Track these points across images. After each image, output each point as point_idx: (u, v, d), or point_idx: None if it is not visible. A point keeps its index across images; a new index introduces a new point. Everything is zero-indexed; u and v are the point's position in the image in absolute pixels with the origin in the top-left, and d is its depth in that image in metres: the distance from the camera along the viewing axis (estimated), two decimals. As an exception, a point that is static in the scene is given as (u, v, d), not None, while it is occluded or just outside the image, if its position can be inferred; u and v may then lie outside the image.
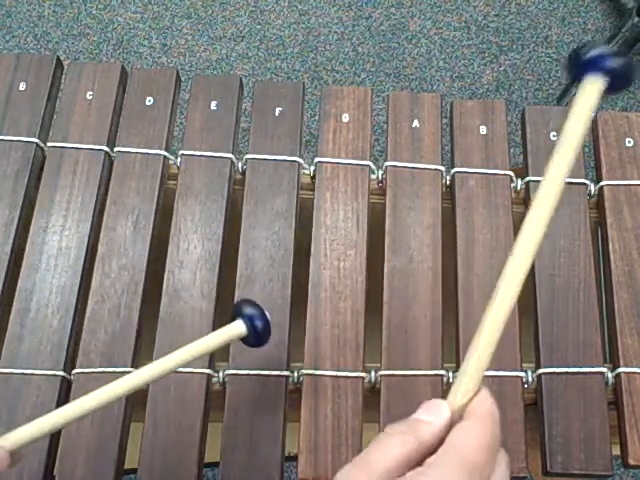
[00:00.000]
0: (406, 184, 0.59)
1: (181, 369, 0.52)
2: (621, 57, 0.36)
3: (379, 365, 0.53)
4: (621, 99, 1.30)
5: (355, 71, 1.33)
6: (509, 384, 0.52)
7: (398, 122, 0.61)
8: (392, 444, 0.32)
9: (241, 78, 0.63)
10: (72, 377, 0.52)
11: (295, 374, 0.52)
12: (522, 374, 0.52)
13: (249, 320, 0.44)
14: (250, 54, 1.34)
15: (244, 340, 0.45)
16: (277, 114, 0.61)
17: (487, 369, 0.35)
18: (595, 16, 1.38)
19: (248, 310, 0.44)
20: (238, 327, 0.44)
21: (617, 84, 0.36)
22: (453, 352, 0.54)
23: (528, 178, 0.59)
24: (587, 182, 0.59)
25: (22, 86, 0.61)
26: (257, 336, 0.44)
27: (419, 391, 0.51)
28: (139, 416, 0.51)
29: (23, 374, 0.51)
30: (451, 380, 0.52)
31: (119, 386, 0.41)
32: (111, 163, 0.59)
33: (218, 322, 0.54)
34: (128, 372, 0.51)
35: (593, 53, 0.35)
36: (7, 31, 1.36)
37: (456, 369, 0.53)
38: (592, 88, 0.35)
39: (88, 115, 0.60)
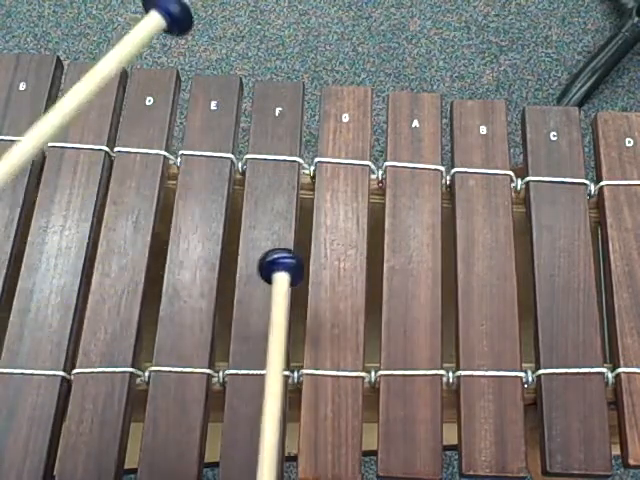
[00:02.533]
0: (406, 184, 0.59)
1: (181, 369, 0.52)
2: None
3: (379, 365, 0.53)
4: (621, 99, 1.30)
5: (355, 71, 1.33)
6: (509, 384, 0.52)
7: (398, 122, 0.61)
8: None
9: (241, 78, 0.63)
10: (72, 377, 0.52)
11: (295, 374, 0.52)
12: (522, 374, 0.52)
13: (162, 7, 0.40)
14: (250, 54, 1.34)
15: (169, 29, 0.41)
16: (277, 114, 0.61)
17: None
18: (595, 16, 1.38)
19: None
20: (154, 18, 0.40)
21: None
22: (453, 352, 0.54)
23: (528, 178, 0.59)
24: (587, 182, 0.59)
25: (22, 86, 0.61)
26: (178, 22, 0.40)
27: (418, 391, 0.51)
28: (139, 416, 0.51)
29: (23, 374, 0.51)
30: (451, 380, 0.52)
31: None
32: (111, 163, 0.59)
33: (218, 322, 0.54)
34: (128, 372, 0.51)
35: None
36: (7, 31, 1.36)
37: (456, 369, 0.53)
38: None
39: (88, 115, 0.60)
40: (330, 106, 0.61)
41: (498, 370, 0.52)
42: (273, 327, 0.44)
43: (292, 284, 0.47)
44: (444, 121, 0.61)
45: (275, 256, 0.46)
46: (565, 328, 0.53)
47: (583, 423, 0.50)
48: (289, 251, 0.47)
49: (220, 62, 1.34)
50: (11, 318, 0.53)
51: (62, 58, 0.65)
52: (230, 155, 0.59)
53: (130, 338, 0.53)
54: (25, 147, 0.38)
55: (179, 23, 0.41)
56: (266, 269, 0.47)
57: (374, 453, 0.50)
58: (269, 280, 0.47)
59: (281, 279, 0.46)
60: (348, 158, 0.59)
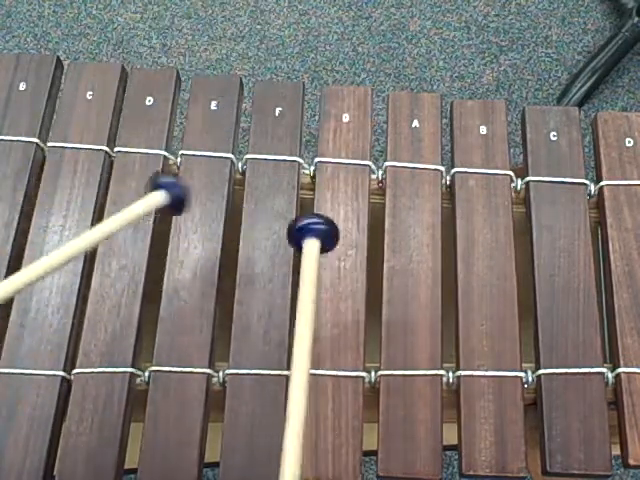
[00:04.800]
0: (406, 184, 0.59)
1: (181, 369, 0.52)
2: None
3: (379, 365, 0.53)
4: (621, 99, 1.30)
5: (355, 71, 1.33)
6: (509, 384, 0.52)
7: (398, 122, 0.61)
8: None
9: (241, 78, 0.63)
10: (72, 377, 0.52)
11: (295, 374, 0.52)
12: (522, 374, 0.52)
13: (167, 188, 0.46)
14: (250, 54, 1.34)
15: (166, 209, 0.46)
16: (277, 114, 0.61)
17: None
18: (595, 16, 1.38)
19: (165, 180, 0.46)
20: (158, 196, 0.46)
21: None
22: (453, 352, 0.54)
23: (528, 178, 0.59)
24: (587, 182, 0.59)
25: (22, 86, 0.61)
26: (178, 201, 0.46)
27: (418, 391, 0.51)
28: (139, 416, 0.51)
29: (23, 374, 0.51)
30: (451, 380, 0.52)
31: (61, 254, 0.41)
32: (111, 163, 0.59)
33: (218, 322, 0.54)
34: (128, 372, 0.51)
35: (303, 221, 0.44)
36: (7, 31, 1.36)
37: (456, 369, 0.53)
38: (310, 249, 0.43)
39: (88, 115, 0.60)
40: (330, 106, 0.61)
41: (498, 370, 0.52)
42: (303, 291, 0.41)
43: (324, 250, 0.45)
44: (444, 121, 0.61)
45: (305, 222, 0.45)
46: (565, 328, 0.53)
47: (583, 423, 0.50)
48: (320, 216, 0.46)
49: (220, 62, 1.34)
50: (11, 318, 0.53)
51: (62, 58, 0.65)
52: (230, 155, 0.59)
53: (130, 338, 0.53)
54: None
55: (178, 206, 0.47)
56: (296, 237, 0.45)
57: (374, 453, 0.50)
58: (300, 247, 0.44)
59: (311, 245, 0.44)
60: (348, 158, 0.59)
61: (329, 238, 0.45)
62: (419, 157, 0.60)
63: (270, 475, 0.49)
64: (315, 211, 0.57)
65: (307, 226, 0.44)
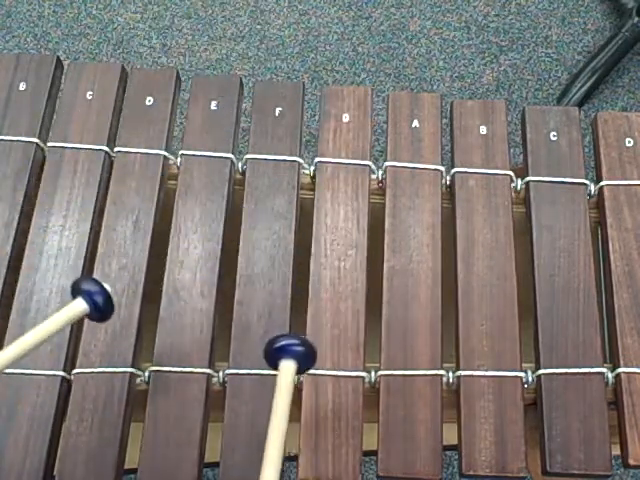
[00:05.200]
0: (406, 184, 0.59)
1: (181, 369, 0.52)
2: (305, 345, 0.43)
3: (379, 365, 0.53)
4: (621, 99, 1.30)
5: (355, 71, 1.33)
6: (509, 384, 0.52)
7: (398, 122, 0.61)
8: None
9: (241, 78, 0.63)
10: (72, 377, 0.52)
11: (295, 374, 0.52)
12: (522, 374, 0.52)
13: (88, 296, 0.43)
14: (250, 54, 1.34)
15: (89, 317, 0.44)
16: (277, 114, 0.61)
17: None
18: (595, 16, 1.37)
19: (86, 286, 0.44)
20: (78, 305, 0.43)
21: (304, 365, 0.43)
22: (453, 352, 0.54)
23: (528, 178, 0.59)
24: (587, 182, 0.59)
25: (22, 86, 0.61)
26: (99, 311, 0.44)
27: (418, 391, 0.51)
28: (139, 416, 0.51)
29: (23, 374, 0.51)
30: (451, 380, 0.52)
31: None
32: (111, 163, 0.59)
33: (218, 322, 0.54)
34: (128, 372, 0.51)
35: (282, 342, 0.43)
36: (7, 31, 1.36)
37: (456, 369, 0.53)
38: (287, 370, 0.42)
39: (88, 115, 0.60)
40: (330, 106, 0.61)
41: (498, 370, 0.52)
42: (274, 417, 0.41)
43: (299, 372, 0.44)
44: (444, 121, 0.61)
45: (283, 343, 0.43)
46: (565, 328, 0.53)
47: (583, 423, 0.50)
48: (298, 337, 0.44)
49: (220, 62, 1.34)
50: (11, 318, 0.53)
51: (62, 58, 0.65)
52: (230, 155, 0.59)
53: (130, 338, 0.53)
54: None
55: (101, 311, 0.45)
56: (272, 356, 0.43)
57: (374, 453, 0.50)
58: (275, 366, 0.44)
59: (287, 367, 0.43)
60: (348, 158, 0.59)
61: (306, 359, 0.44)
62: (419, 157, 0.60)
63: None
64: (315, 211, 0.57)
65: (284, 347, 0.43)
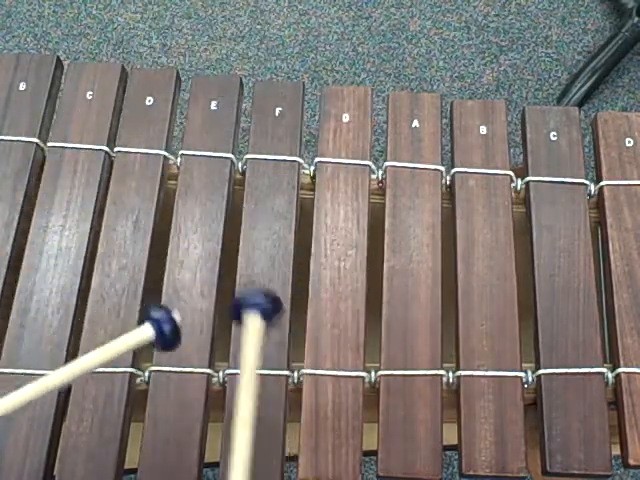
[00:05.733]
0: (406, 184, 0.59)
1: (181, 369, 0.52)
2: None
3: (379, 365, 0.53)
4: (621, 99, 1.30)
5: (355, 71, 1.33)
6: (509, 384, 0.52)
7: (398, 122, 0.61)
8: None
9: (241, 78, 0.63)
10: (72, 377, 0.52)
11: (295, 374, 0.52)
12: (522, 374, 0.52)
13: (156, 324, 0.42)
14: (250, 54, 1.34)
15: (155, 344, 0.43)
16: (277, 114, 0.61)
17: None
18: (595, 16, 1.37)
19: (155, 314, 0.42)
20: (145, 331, 0.42)
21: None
22: (453, 352, 0.54)
23: (528, 178, 0.59)
24: (587, 182, 0.59)
25: (22, 86, 0.61)
26: (165, 339, 0.42)
27: (418, 391, 0.51)
28: (139, 416, 0.51)
29: (23, 374, 0.51)
30: (451, 380, 0.52)
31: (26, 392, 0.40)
32: (111, 163, 0.59)
33: (218, 322, 0.54)
34: (128, 372, 0.51)
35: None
36: (7, 31, 1.36)
37: (456, 369, 0.53)
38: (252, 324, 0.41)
39: (88, 115, 0.60)
40: (330, 106, 0.61)
41: (498, 370, 0.52)
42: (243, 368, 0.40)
43: (266, 322, 0.43)
44: (444, 121, 0.61)
45: (243, 298, 0.42)
46: (565, 328, 0.53)
47: (583, 423, 0.50)
48: (260, 292, 0.43)
49: (220, 62, 1.34)
50: (11, 318, 0.53)
51: (62, 58, 0.65)
52: (230, 155, 0.59)
53: (130, 338, 0.52)
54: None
55: (167, 343, 0.43)
56: (235, 311, 0.43)
57: (374, 453, 0.50)
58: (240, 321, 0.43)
59: (252, 320, 0.42)
60: (348, 158, 0.59)
61: (270, 313, 0.43)
62: (419, 157, 0.60)
63: (270, 475, 0.49)
64: (315, 211, 0.57)
65: (247, 302, 0.42)
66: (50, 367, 0.52)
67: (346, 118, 0.61)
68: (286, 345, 0.53)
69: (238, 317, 0.42)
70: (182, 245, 0.56)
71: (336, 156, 0.59)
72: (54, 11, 1.38)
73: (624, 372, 0.52)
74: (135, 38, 1.36)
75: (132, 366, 0.52)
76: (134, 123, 0.60)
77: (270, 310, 0.42)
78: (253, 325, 0.41)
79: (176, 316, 0.42)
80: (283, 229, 0.56)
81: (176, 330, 0.43)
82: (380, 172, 0.59)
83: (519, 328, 0.53)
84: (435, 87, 1.31)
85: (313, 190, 0.59)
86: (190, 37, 1.36)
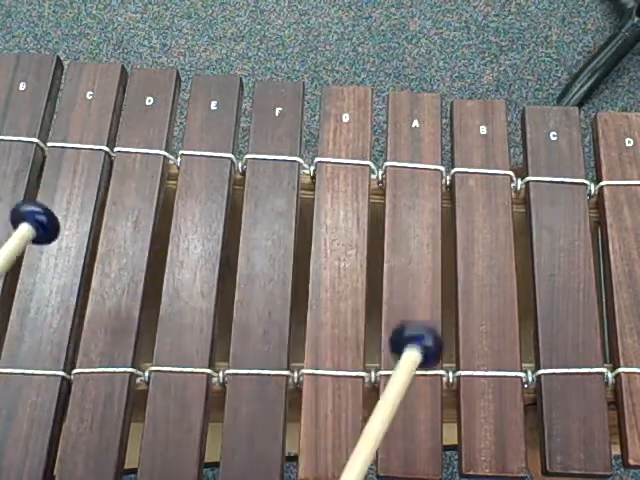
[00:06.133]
0: (406, 184, 0.59)
1: (181, 369, 0.52)
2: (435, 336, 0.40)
3: (379, 365, 0.53)
4: (621, 99, 1.30)
5: (355, 71, 1.33)
6: (509, 384, 0.52)
7: (398, 122, 0.61)
8: None
9: (241, 78, 0.63)
10: (72, 377, 0.52)
11: (295, 374, 0.52)
12: (522, 374, 0.52)
13: (31, 218, 0.43)
14: (250, 54, 1.34)
15: (37, 241, 0.44)
16: (277, 114, 0.61)
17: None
18: (595, 16, 1.38)
19: (26, 208, 0.43)
20: (23, 230, 0.43)
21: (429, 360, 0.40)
22: (453, 352, 0.54)
23: (528, 178, 0.59)
24: (587, 182, 0.59)
25: (22, 86, 0.61)
26: (46, 231, 0.43)
27: (418, 391, 0.51)
28: (139, 416, 0.51)
29: (23, 374, 0.51)
30: (451, 380, 0.52)
31: None
32: (111, 163, 0.59)
33: (218, 322, 0.54)
34: (128, 372, 0.51)
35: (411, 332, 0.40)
36: (7, 31, 1.36)
37: (456, 369, 0.53)
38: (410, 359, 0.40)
39: (88, 115, 0.60)
40: (330, 106, 0.61)
41: (498, 370, 0.52)
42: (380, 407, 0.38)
43: (422, 366, 0.41)
44: (444, 121, 0.61)
45: (414, 333, 0.40)
46: (565, 328, 0.53)
47: (583, 423, 0.50)
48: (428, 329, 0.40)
49: (220, 62, 1.34)
50: (11, 318, 0.53)
51: (62, 58, 0.65)
52: (230, 155, 0.59)
53: (130, 338, 0.53)
54: None
55: (48, 231, 0.44)
56: (399, 343, 0.40)
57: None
58: (400, 352, 0.40)
59: (412, 357, 0.40)
60: (348, 158, 0.59)
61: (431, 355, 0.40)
62: (419, 157, 0.60)
63: (270, 475, 0.49)
64: (315, 211, 0.57)
65: (414, 337, 0.40)
66: (50, 367, 0.52)
67: (346, 118, 0.61)
68: (286, 345, 0.53)
69: (398, 348, 0.40)
70: (182, 245, 0.56)
71: (336, 156, 0.59)
72: (54, 11, 1.38)
73: (624, 372, 0.52)
74: (135, 38, 1.36)
75: (132, 366, 0.52)
76: (134, 123, 0.60)
77: (433, 352, 0.40)
78: (411, 360, 0.39)
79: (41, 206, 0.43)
80: (283, 229, 0.56)
81: (53, 219, 0.43)
82: (380, 172, 0.59)
83: (519, 328, 0.53)
84: (435, 87, 1.31)
85: (313, 190, 0.59)
86: (190, 37, 1.36)
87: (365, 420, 0.51)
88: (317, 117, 0.62)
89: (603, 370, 0.52)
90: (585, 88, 1.26)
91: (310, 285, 0.55)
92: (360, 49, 1.35)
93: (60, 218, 0.56)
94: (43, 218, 0.43)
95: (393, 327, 0.40)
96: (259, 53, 1.35)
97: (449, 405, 0.52)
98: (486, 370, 0.52)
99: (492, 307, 0.54)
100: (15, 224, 0.43)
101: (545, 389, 0.52)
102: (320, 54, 1.34)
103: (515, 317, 0.54)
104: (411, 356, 0.39)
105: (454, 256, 0.56)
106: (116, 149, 0.59)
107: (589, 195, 0.59)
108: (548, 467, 0.50)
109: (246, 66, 1.33)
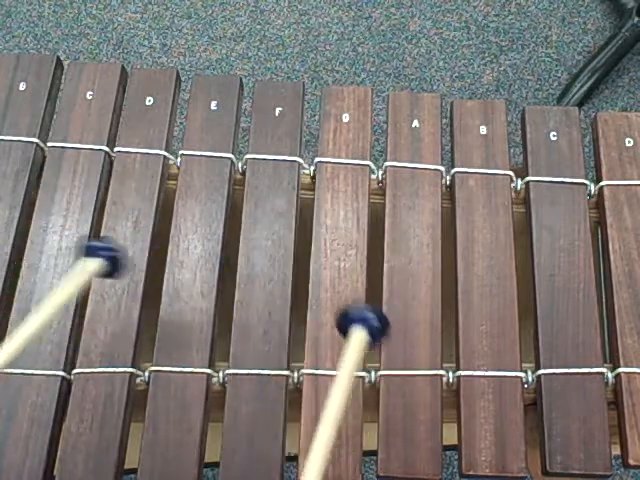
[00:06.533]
0: (406, 184, 0.59)
1: (181, 369, 0.52)
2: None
3: (379, 365, 0.53)
4: (621, 99, 1.30)
5: (355, 71, 1.33)
6: (509, 384, 0.52)
7: (398, 122, 0.61)
8: None
9: (241, 78, 0.63)
10: (72, 377, 0.52)
11: (295, 374, 0.52)
12: (522, 374, 0.52)
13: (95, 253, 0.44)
14: (250, 54, 1.34)
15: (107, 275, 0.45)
16: (277, 114, 0.61)
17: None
18: (595, 16, 1.37)
19: (95, 245, 0.45)
20: (91, 265, 0.44)
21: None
22: (453, 352, 0.54)
23: (528, 178, 0.59)
24: (587, 182, 0.59)
25: (22, 86, 0.61)
26: (113, 264, 0.45)
27: (418, 391, 0.51)
28: (139, 416, 0.51)
29: (23, 374, 0.51)
30: (451, 380, 0.52)
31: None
32: (111, 163, 0.59)
33: (218, 322, 0.54)
34: (128, 372, 0.51)
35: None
36: (7, 31, 1.36)
37: (456, 369, 0.53)
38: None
39: (88, 115, 0.60)
40: (330, 106, 0.61)
41: (498, 370, 0.52)
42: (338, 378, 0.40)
43: (370, 345, 0.43)
44: (444, 121, 0.61)
45: (358, 313, 0.43)
46: (565, 328, 0.53)
47: (583, 423, 0.50)
48: (375, 310, 0.43)
49: (220, 62, 1.34)
50: (11, 318, 0.53)
51: (62, 58, 0.65)
52: (230, 155, 0.59)
53: (130, 338, 0.53)
54: None
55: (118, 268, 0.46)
56: (344, 322, 0.43)
57: (374, 453, 0.50)
58: (346, 333, 0.43)
59: (359, 335, 0.42)
60: (348, 158, 0.59)
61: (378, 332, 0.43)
62: (419, 157, 0.60)
63: (270, 475, 0.49)
64: (315, 211, 0.57)
65: (359, 317, 0.42)
66: (50, 367, 0.52)
67: (346, 118, 0.61)
68: (286, 345, 0.53)
69: (345, 329, 0.42)
70: (182, 245, 0.56)
71: (336, 156, 0.59)
72: (54, 11, 1.38)
73: (624, 372, 0.52)
74: (135, 38, 1.36)
75: (132, 366, 0.52)
76: (134, 123, 0.60)
77: (378, 331, 0.42)
78: (358, 340, 0.42)
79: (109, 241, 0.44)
80: (283, 229, 0.56)
81: (117, 253, 0.44)
82: (380, 172, 0.59)
83: (519, 328, 0.53)
84: (435, 87, 1.31)
85: (313, 190, 0.59)
86: (190, 37, 1.36)
87: (365, 420, 0.51)
88: (317, 117, 0.62)
89: (603, 370, 0.52)
90: (585, 88, 1.26)
91: (310, 285, 0.55)
92: (360, 49, 1.35)
93: (60, 218, 0.56)
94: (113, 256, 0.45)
95: (337, 311, 0.43)
96: (259, 53, 1.35)
97: (449, 405, 0.52)
98: (486, 370, 0.52)
99: (492, 307, 0.54)
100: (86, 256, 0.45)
101: (545, 389, 0.52)
102: (320, 54, 1.34)
103: (515, 317, 0.54)
104: (357, 336, 0.42)
105: (454, 256, 0.56)
106: (116, 149, 0.59)
107: (589, 195, 0.59)
108: (548, 467, 0.50)
109: (246, 66, 1.33)
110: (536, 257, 0.56)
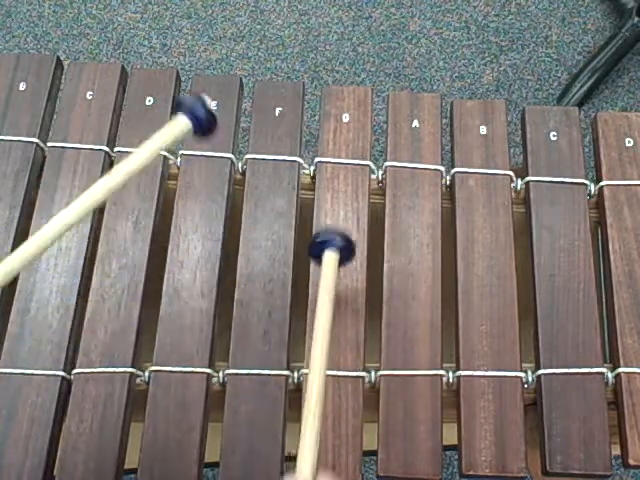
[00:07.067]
0: (406, 184, 0.59)
1: (181, 369, 0.52)
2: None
3: (379, 365, 0.53)
4: (621, 99, 1.30)
5: (355, 71, 1.33)
6: (509, 384, 0.52)
7: (398, 122, 0.61)
8: None
9: (241, 78, 0.63)
10: (72, 377, 0.52)
11: (295, 374, 0.52)
12: (522, 374, 0.52)
13: (189, 112, 0.44)
14: (250, 54, 1.34)
15: (195, 132, 0.45)
16: (277, 114, 0.61)
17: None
18: (595, 16, 1.38)
19: (187, 102, 0.44)
20: (180, 121, 0.44)
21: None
22: (453, 352, 0.54)
23: (528, 178, 0.59)
24: (587, 182, 0.59)
25: (22, 86, 0.61)
26: (201, 124, 0.44)
27: (419, 391, 0.51)
28: (139, 416, 0.51)
29: (23, 374, 0.51)
30: (451, 380, 0.52)
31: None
32: (111, 163, 0.59)
33: (218, 322, 0.54)
34: (128, 372, 0.51)
35: None
36: (7, 31, 1.36)
37: (456, 369, 0.53)
38: None
39: (88, 115, 0.60)
40: (330, 106, 0.61)
41: (498, 370, 0.52)
42: (321, 295, 0.47)
43: (341, 263, 0.51)
44: (444, 121, 0.61)
45: (325, 237, 0.50)
46: (565, 328, 0.53)
47: (583, 423, 0.50)
48: (339, 233, 0.51)
49: (220, 62, 1.34)
50: (11, 318, 0.53)
51: (62, 58, 0.65)
52: (230, 155, 0.59)
53: (130, 338, 0.53)
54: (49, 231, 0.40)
55: (204, 128, 0.45)
56: (316, 248, 0.50)
57: (374, 453, 0.50)
58: (320, 259, 0.50)
59: (330, 257, 0.50)
60: (348, 158, 0.59)
61: (347, 251, 0.51)
62: (419, 157, 0.60)
63: (270, 475, 0.49)
64: (315, 211, 0.57)
65: (327, 240, 0.50)
66: (50, 367, 0.52)
67: (346, 118, 0.61)
68: (286, 345, 0.53)
69: (317, 254, 0.50)
70: (182, 245, 0.56)
71: (336, 156, 0.59)
72: (54, 11, 1.38)
73: (624, 372, 0.52)
74: (135, 38, 1.36)
75: (132, 366, 0.52)
76: (134, 123, 0.60)
77: (347, 251, 0.50)
78: (330, 261, 0.49)
79: (206, 98, 0.44)
80: (283, 229, 0.56)
81: (209, 112, 0.44)
82: (380, 172, 0.59)
83: (519, 328, 0.53)
84: (435, 87, 1.31)
85: (313, 190, 0.59)
86: (190, 37, 1.36)
87: (365, 420, 0.51)
88: (317, 117, 0.62)
89: (603, 370, 0.52)
90: (585, 88, 1.26)
91: (310, 285, 0.55)
92: (360, 49, 1.35)
93: (60, 218, 0.56)
94: (201, 112, 0.44)
95: (312, 239, 0.51)
96: (259, 53, 1.35)
97: (449, 405, 0.52)
98: (486, 370, 0.52)
99: (492, 307, 0.54)
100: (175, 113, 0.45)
101: (545, 389, 0.52)
102: (320, 54, 1.34)
103: (515, 317, 0.54)
104: (330, 256, 0.50)
105: (454, 256, 0.56)
106: (116, 149, 0.59)
107: (589, 195, 0.59)
108: (548, 467, 0.50)
109: (246, 66, 1.33)
110: (536, 257, 0.56)
